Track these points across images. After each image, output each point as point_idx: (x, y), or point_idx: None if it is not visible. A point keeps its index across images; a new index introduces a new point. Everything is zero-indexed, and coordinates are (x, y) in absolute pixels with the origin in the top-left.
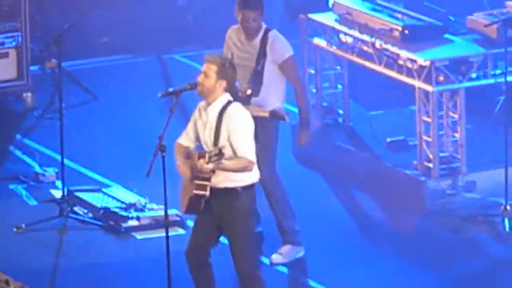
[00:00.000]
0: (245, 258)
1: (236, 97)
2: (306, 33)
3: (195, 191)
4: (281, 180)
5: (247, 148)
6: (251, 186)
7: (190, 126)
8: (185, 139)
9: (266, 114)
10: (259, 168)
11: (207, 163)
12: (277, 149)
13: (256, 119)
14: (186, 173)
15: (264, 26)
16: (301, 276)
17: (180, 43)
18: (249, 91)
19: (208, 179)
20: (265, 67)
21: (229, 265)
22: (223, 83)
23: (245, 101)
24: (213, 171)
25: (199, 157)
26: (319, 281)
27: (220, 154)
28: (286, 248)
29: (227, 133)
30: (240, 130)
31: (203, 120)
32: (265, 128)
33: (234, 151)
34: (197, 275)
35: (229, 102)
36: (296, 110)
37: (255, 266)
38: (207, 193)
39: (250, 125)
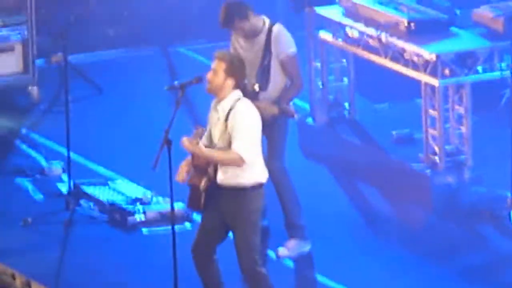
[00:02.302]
0: (249, 254)
1: (245, 93)
2: (311, 26)
3: (191, 180)
4: (289, 174)
5: (242, 145)
6: (260, 186)
7: (208, 125)
8: (205, 138)
9: (275, 111)
10: (268, 162)
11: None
12: (286, 144)
13: (266, 115)
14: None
15: (268, 20)
16: (307, 269)
17: (186, 36)
18: (256, 87)
19: (204, 171)
20: (271, 62)
21: (235, 261)
22: (232, 81)
23: (254, 96)
24: (206, 162)
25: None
26: (325, 275)
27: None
28: (292, 242)
29: (230, 127)
30: (241, 126)
31: (214, 118)
32: (274, 124)
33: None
34: (204, 271)
35: (238, 99)
36: (306, 105)
37: (258, 262)
38: (202, 185)
39: (254, 124)
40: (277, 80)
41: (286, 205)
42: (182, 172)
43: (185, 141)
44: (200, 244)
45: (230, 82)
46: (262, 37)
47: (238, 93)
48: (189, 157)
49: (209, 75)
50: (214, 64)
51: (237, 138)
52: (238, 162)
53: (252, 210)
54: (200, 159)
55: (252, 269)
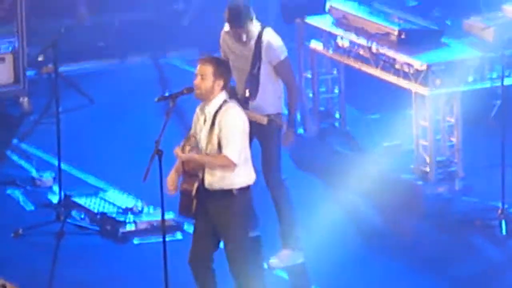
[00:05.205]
0: (239, 260)
1: (234, 100)
2: (302, 37)
3: (183, 186)
4: (287, 185)
5: (231, 147)
6: (246, 189)
7: (192, 131)
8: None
9: (264, 122)
10: (265, 173)
11: (182, 151)
12: (280, 154)
13: (258, 124)
14: (171, 180)
15: (258, 26)
16: (300, 280)
17: (176, 47)
18: (247, 93)
19: (195, 176)
20: (261, 69)
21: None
22: (221, 82)
23: (243, 103)
24: (200, 167)
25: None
26: (318, 285)
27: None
28: (285, 253)
29: (218, 130)
30: (228, 128)
31: (201, 121)
32: (268, 134)
33: (220, 148)
34: (202, 281)
35: (225, 101)
36: (296, 116)
37: (249, 269)
38: (194, 190)
39: (241, 125)
40: (266, 88)
41: (282, 216)
42: (173, 182)
43: (177, 150)
44: (196, 253)
45: (219, 84)
46: (252, 44)
47: (224, 95)
48: (176, 166)
49: (197, 81)
50: (200, 69)
51: (228, 142)
52: (230, 167)
53: (240, 212)
54: (191, 165)
55: (241, 275)
